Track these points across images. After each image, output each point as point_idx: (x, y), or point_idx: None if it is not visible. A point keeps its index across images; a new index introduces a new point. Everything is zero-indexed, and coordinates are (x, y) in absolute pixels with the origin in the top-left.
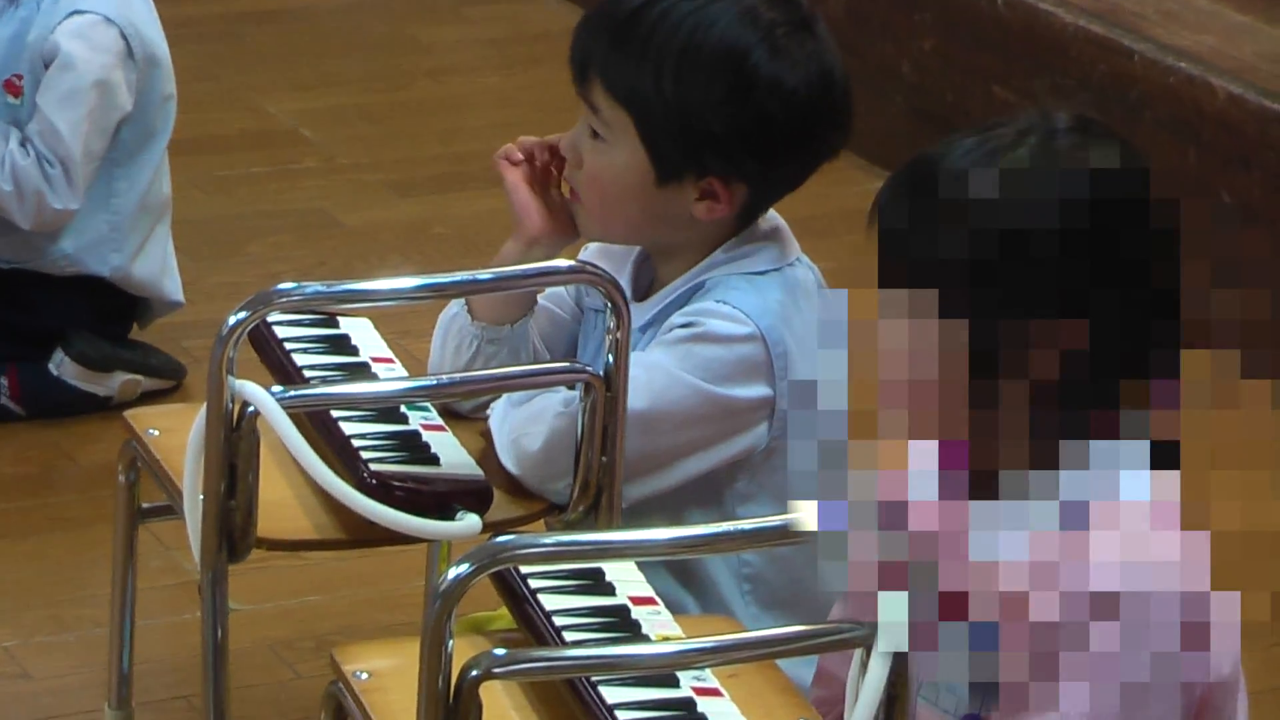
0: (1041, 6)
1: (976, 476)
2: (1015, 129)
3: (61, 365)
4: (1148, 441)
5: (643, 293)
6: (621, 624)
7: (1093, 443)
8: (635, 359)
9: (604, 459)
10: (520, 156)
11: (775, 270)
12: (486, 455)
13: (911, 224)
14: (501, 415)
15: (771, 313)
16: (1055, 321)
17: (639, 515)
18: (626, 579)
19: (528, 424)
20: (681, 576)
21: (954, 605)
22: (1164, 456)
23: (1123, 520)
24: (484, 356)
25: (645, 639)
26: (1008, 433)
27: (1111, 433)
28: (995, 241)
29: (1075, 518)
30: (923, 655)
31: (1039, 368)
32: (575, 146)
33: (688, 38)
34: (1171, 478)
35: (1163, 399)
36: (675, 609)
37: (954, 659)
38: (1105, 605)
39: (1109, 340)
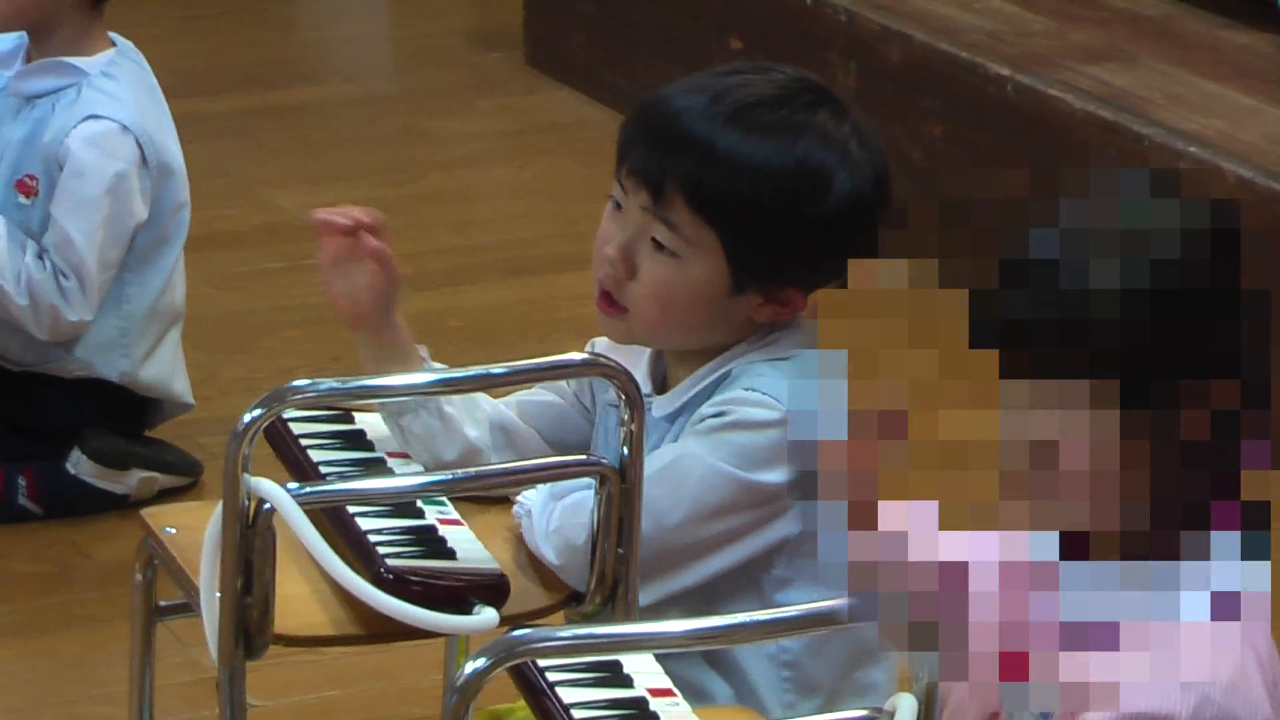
0: (1050, 92)
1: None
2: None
3: (78, 464)
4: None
5: (659, 383)
6: (640, 716)
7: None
8: (667, 450)
9: (620, 551)
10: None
11: (800, 355)
12: (503, 548)
13: (1034, 314)
14: (543, 505)
15: None
16: (1202, 407)
17: (673, 604)
18: (644, 670)
19: (570, 515)
20: (715, 664)
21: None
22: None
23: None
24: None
25: None
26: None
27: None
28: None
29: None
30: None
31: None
32: (630, 256)
33: (775, 158)
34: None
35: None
36: (709, 697)
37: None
38: None
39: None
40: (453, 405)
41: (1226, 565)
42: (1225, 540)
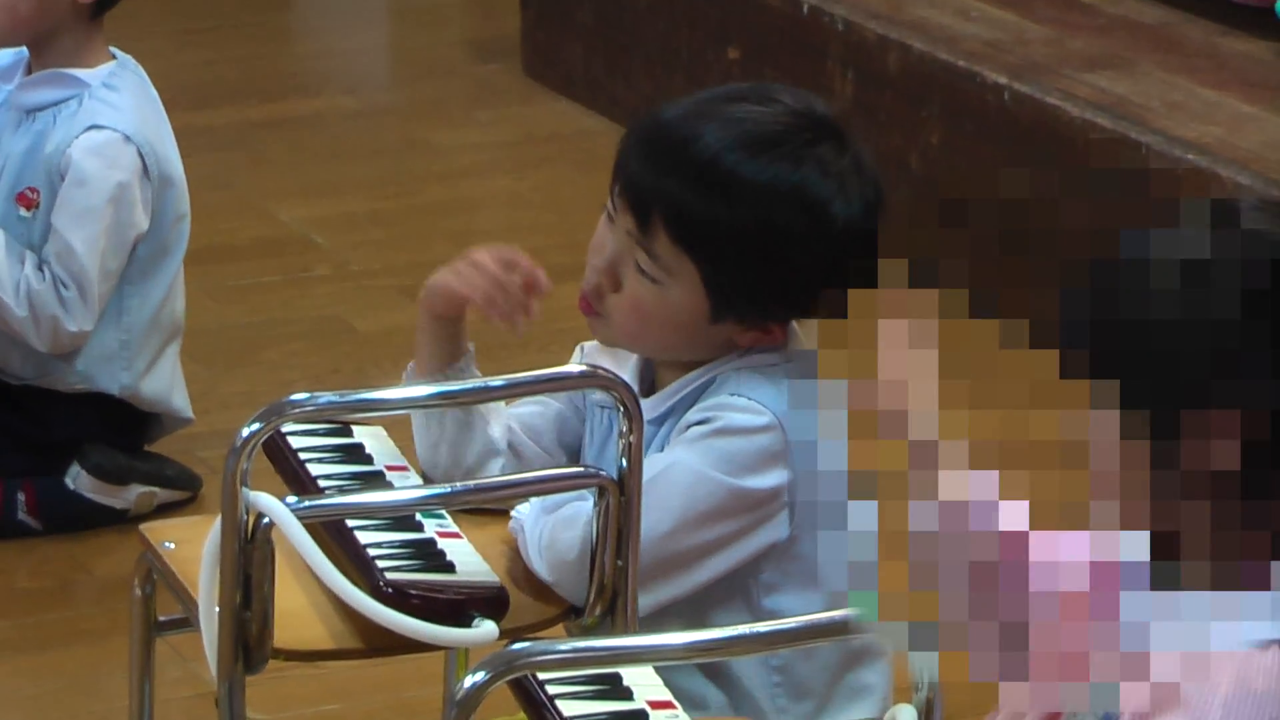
0: (1049, 100)
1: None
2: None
3: (78, 478)
4: None
5: (646, 387)
6: None
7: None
8: (656, 459)
9: (619, 563)
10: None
11: (787, 363)
12: (502, 561)
13: (1095, 313)
14: (534, 520)
15: (786, 401)
16: (1235, 411)
17: (664, 611)
18: (644, 683)
19: (562, 529)
20: (708, 671)
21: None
22: None
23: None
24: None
25: None
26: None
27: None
28: (1177, 331)
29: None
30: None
31: (1220, 458)
32: (615, 268)
33: (768, 191)
34: None
35: None
36: (702, 704)
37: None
38: None
39: None
40: (485, 406)
41: None
42: None
